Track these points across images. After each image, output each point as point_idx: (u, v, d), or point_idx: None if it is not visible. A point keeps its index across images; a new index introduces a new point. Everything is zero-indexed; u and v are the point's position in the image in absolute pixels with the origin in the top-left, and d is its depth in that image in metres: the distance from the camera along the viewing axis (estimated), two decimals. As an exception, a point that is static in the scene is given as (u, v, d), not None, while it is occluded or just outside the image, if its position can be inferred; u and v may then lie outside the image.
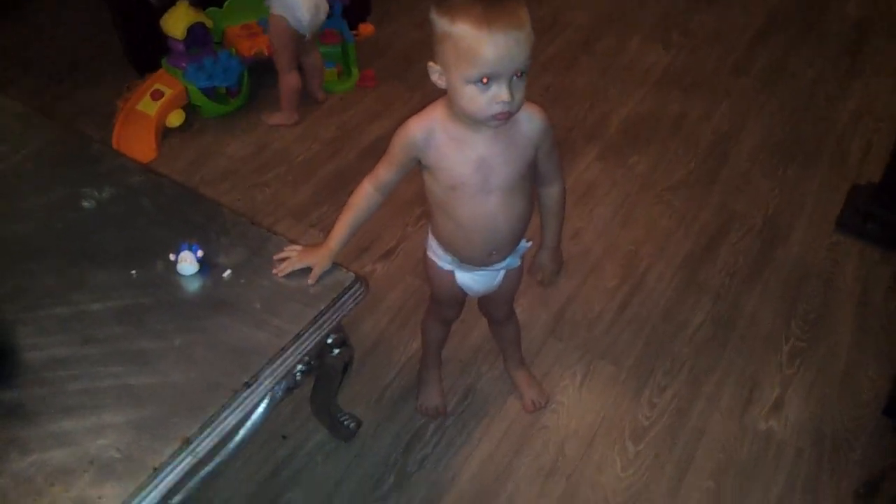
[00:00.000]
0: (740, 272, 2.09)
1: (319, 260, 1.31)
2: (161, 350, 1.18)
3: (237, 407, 1.14)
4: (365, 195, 1.37)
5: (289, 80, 2.49)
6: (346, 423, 1.66)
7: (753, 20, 3.18)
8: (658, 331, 1.94)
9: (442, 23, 1.12)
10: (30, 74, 2.72)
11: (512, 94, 1.14)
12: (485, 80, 1.13)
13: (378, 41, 2.85)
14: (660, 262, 2.12)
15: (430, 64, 1.19)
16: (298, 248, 1.33)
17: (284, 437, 1.67)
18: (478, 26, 1.09)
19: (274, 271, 1.31)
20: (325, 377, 1.47)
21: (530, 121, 1.26)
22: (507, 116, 1.17)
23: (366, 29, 2.78)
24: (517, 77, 1.14)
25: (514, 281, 1.55)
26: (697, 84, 2.80)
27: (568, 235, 2.19)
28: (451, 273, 1.48)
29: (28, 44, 2.87)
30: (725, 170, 2.43)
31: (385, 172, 1.34)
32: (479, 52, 1.10)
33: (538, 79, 2.78)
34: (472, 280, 1.49)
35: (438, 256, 1.47)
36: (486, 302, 1.63)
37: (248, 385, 1.15)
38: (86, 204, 1.43)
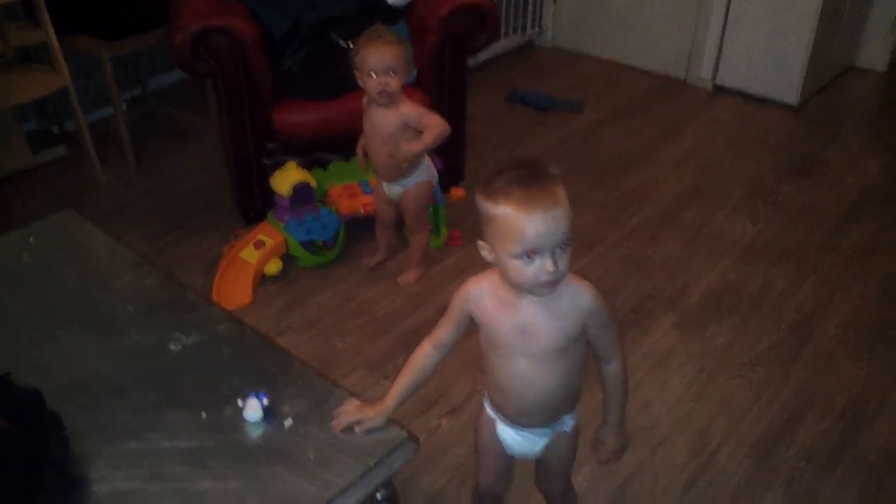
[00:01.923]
0: (817, 458, 2.01)
1: (373, 415, 1.37)
2: (216, 493, 1.25)
3: (278, 557, 1.18)
4: (424, 355, 1.45)
5: (427, 238, 2.68)
6: (393, 582, 1.65)
7: (845, 196, 3.17)
8: (726, 514, 1.86)
9: (486, 206, 1.23)
10: (153, 220, 3.02)
11: (556, 265, 1.21)
12: (530, 255, 1.21)
13: (468, 204, 3.02)
14: (732, 440, 2.06)
15: (480, 242, 1.29)
16: (357, 402, 1.41)
17: (332, 591, 1.67)
18: (517, 208, 1.18)
19: (333, 423, 1.38)
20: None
21: (577, 296, 1.31)
22: (553, 284, 1.24)
23: (457, 193, 2.95)
24: (560, 248, 1.21)
25: (562, 454, 1.55)
26: (783, 258, 2.80)
27: (638, 405, 2.17)
28: (495, 423, 1.52)
29: (155, 192, 3.20)
30: (808, 349, 2.38)
31: (444, 331, 1.43)
32: (521, 230, 1.19)
33: (619, 247, 2.85)
34: (512, 438, 1.51)
35: (488, 404, 1.53)
36: (539, 474, 1.63)
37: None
38: (172, 347, 1.56)
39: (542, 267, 1.21)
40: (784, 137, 3.67)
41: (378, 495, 1.39)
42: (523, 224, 1.18)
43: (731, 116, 3.84)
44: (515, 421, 1.48)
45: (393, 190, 2.54)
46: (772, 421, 2.12)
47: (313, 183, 2.69)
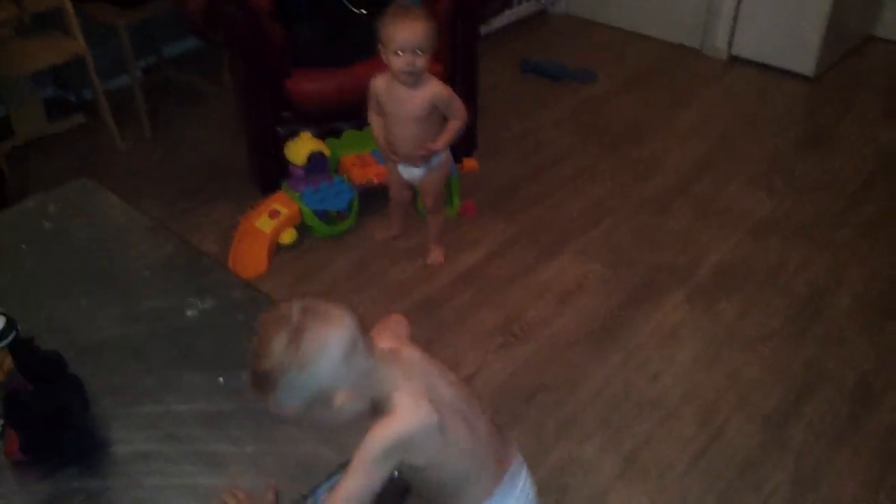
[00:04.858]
0: (826, 434, 2.02)
1: None
2: (233, 455, 1.29)
3: (293, 518, 1.21)
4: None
5: (444, 215, 2.69)
6: (403, 545, 1.69)
7: (861, 168, 3.15)
8: (732, 487, 1.89)
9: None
10: (168, 187, 3.04)
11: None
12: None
13: (481, 175, 3.02)
14: (741, 414, 2.08)
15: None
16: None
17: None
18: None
19: None
20: (382, 500, 1.53)
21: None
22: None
23: (469, 163, 2.95)
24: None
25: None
26: (797, 233, 2.79)
27: (647, 377, 2.20)
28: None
29: (171, 159, 3.22)
30: (819, 324, 2.39)
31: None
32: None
33: (631, 218, 2.85)
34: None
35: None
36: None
37: (304, 497, 1.23)
38: (189, 312, 1.59)
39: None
40: (800, 109, 3.64)
41: (390, 460, 1.42)
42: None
43: (746, 87, 3.80)
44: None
45: (413, 172, 2.47)
46: (781, 396, 2.14)
47: (327, 152, 2.71)
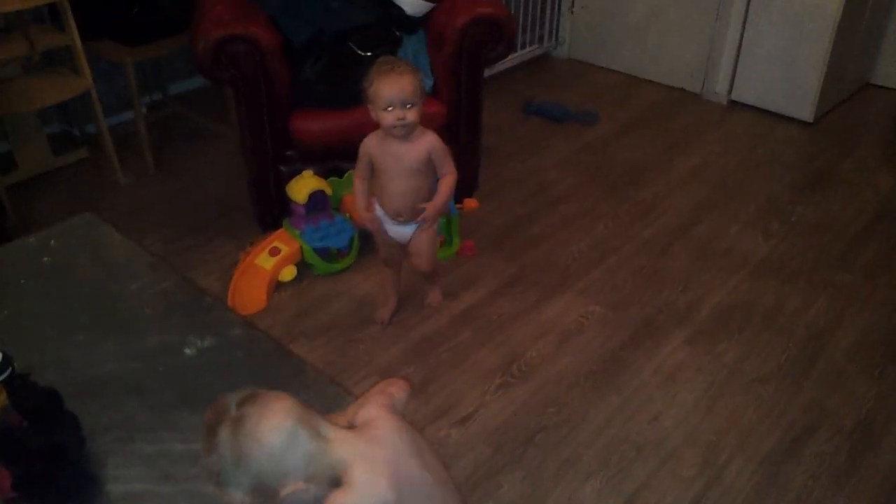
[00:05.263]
0: (825, 475, 2.01)
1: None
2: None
3: (286, 559, 1.20)
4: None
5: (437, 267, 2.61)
6: (400, 588, 1.66)
7: (859, 213, 3.17)
8: (732, 530, 1.87)
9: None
10: (173, 223, 3.05)
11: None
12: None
13: (482, 215, 3.03)
14: (741, 456, 2.07)
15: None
16: None
17: None
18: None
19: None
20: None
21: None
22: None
23: (470, 203, 2.97)
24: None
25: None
26: (796, 275, 2.80)
27: (647, 418, 2.18)
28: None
29: (175, 195, 3.24)
30: (819, 366, 2.38)
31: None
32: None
33: (631, 259, 2.86)
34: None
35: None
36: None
37: (298, 539, 1.21)
38: (188, 350, 1.59)
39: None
40: (798, 153, 3.67)
41: None
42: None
43: (745, 131, 3.84)
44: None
45: (404, 232, 2.36)
46: (781, 437, 2.13)
47: (329, 191, 2.73)
